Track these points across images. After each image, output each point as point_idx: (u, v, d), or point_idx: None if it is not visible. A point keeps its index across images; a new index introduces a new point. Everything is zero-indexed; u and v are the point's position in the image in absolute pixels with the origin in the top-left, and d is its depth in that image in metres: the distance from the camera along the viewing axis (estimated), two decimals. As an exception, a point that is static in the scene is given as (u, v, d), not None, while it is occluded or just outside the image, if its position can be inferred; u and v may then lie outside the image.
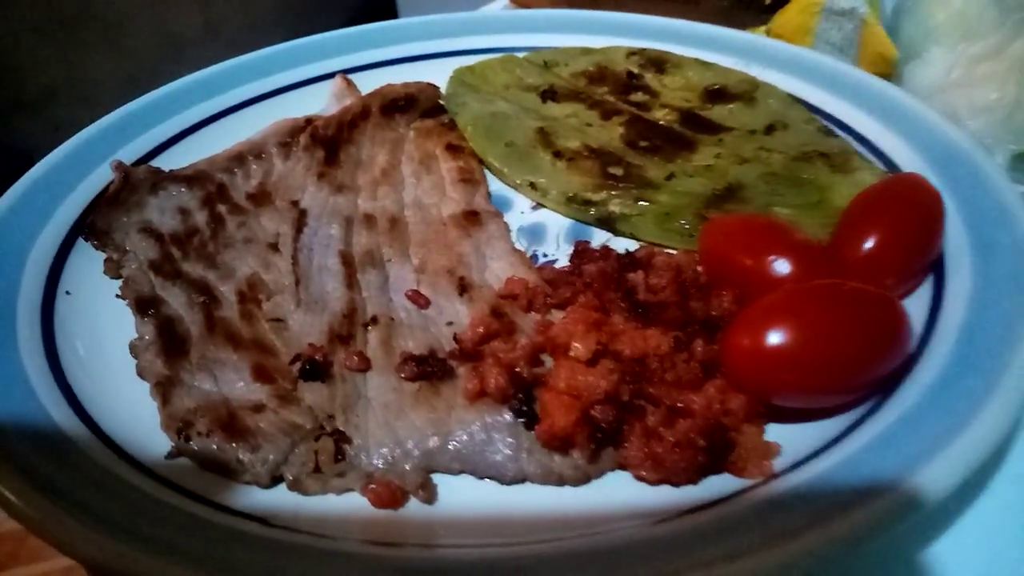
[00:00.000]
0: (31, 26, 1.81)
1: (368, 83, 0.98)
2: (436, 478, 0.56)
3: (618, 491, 0.54)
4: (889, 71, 0.98)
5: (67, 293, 0.70)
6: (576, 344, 0.58)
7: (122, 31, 1.88)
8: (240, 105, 0.95)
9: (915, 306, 0.62)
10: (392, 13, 1.94)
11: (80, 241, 0.75)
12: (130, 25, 1.87)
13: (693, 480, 0.53)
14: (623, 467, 0.54)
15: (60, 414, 0.58)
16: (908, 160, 0.76)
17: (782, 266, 0.62)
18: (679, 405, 0.55)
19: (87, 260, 0.73)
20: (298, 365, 0.61)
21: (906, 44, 0.97)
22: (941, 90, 0.89)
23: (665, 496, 0.53)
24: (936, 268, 0.64)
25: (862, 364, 0.54)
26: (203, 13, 1.92)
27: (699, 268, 0.67)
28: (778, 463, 0.53)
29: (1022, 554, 0.52)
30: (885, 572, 0.52)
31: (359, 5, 1.82)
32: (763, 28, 1.08)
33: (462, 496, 0.55)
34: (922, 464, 0.47)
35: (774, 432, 0.56)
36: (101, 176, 0.81)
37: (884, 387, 0.55)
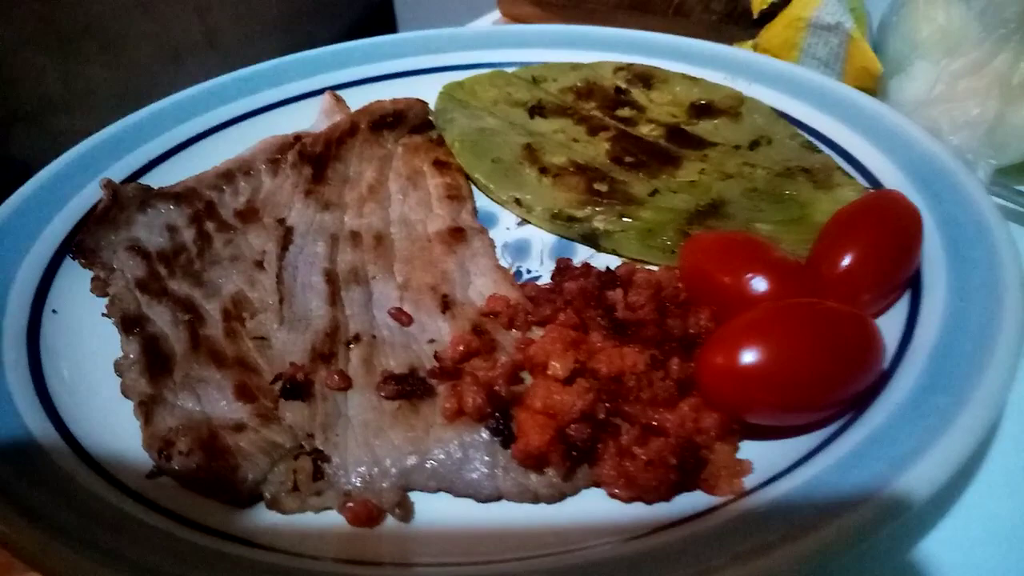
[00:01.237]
0: (28, 37, 1.82)
1: (358, 99, 0.99)
2: (413, 496, 0.56)
3: (592, 508, 0.54)
4: (874, 85, 0.98)
5: (54, 311, 0.71)
6: (554, 363, 0.59)
7: (120, 42, 1.88)
8: (230, 122, 0.96)
9: (891, 323, 0.62)
10: (390, 22, 1.95)
11: (68, 259, 0.75)
12: (128, 36, 1.88)
13: (665, 498, 0.53)
14: (597, 484, 0.55)
15: (43, 433, 0.58)
16: (890, 175, 0.76)
17: (759, 284, 0.63)
18: (653, 423, 0.55)
19: (74, 278, 0.74)
20: (279, 384, 0.61)
21: (891, 59, 0.97)
22: (924, 105, 0.89)
23: (638, 513, 0.53)
24: (914, 284, 0.65)
25: (834, 383, 0.54)
26: (202, 24, 1.93)
27: (679, 285, 0.68)
28: (750, 480, 0.53)
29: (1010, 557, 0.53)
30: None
31: (358, 16, 1.83)
32: (751, 43, 1.09)
33: (438, 515, 0.55)
34: (891, 480, 0.47)
35: (747, 449, 0.56)
36: (90, 194, 0.82)
37: (857, 405, 0.56)
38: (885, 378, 0.57)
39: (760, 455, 0.55)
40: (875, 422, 0.53)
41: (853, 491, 0.47)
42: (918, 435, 0.50)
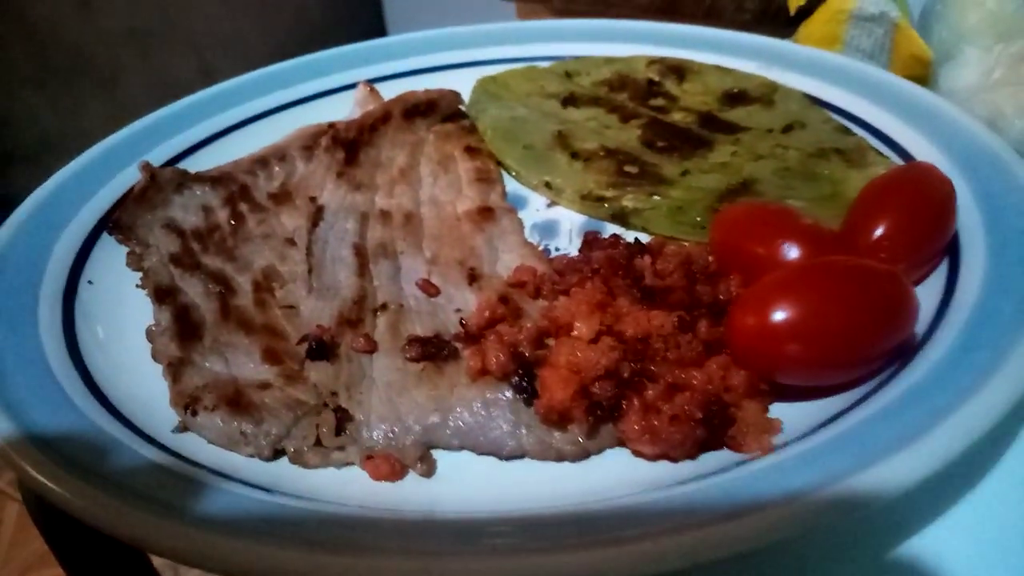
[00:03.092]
0: (25, 77, 1.88)
1: (391, 93, 0.99)
2: (436, 455, 0.56)
3: (616, 467, 0.53)
4: (924, 73, 0.97)
5: (89, 282, 0.72)
6: (579, 324, 0.58)
7: (116, 81, 1.93)
8: (265, 113, 0.98)
9: (928, 292, 0.61)
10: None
11: (105, 235, 0.77)
12: (123, 74, 1.92)
13: (691, 455, 0.52)
14: (622, 443, 0.54)
15: (77, 394, 0.59)
16: (925, 152, 0.75)
17: (792, 251, 0.62)
18: (680, 381, 0.54)
19: (110, 253, 0.76)
20: (305, 345, 0.62)
21: (936, 47, 0.96)
22: (982, 91, 0.88)
23: (663, 472, 0.52)
24: (951, 255, 0.63)
25: (868, 339, 0.53)
26: (197, 60, 1.97)
27: (710, 258, 0.67)
28: (780, 440, 0.52)
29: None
30: (885, 548, 0.50)
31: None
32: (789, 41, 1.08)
33: (461, 472, 0.55)
34: (924, 434, 0.46)
35: (776, 411, 0.55)
36: (129, 176, 0.83)
37: (890, 366, 0.54)
38: (921, 342, 0.55)
39: (790, 417, 0.54)
40: (911, 380, 0.51)
41: (887, 444, 0.46)
42: (955, 390, 0.49)
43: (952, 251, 0.63)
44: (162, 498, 0.49)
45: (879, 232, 0.62)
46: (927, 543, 0.50)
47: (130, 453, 0.53)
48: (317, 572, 0.43)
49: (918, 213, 0.63)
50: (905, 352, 0.55)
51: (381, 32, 2.02)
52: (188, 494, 0.49)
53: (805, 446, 0.48)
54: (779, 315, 0.53)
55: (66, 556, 0.70)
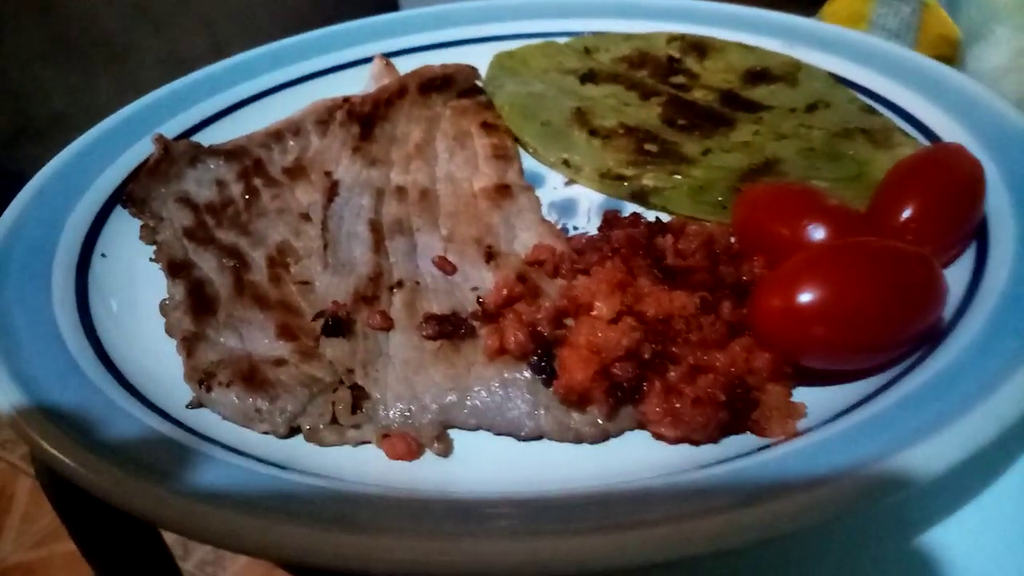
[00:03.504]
0: (37, 53, 1.86)
1: (407, 68, 0.98)
2: (453, 436, 0.55)
3: (636, 451, 0.53)
4: (952, 54, 0.95)
5: (103, 255, 0.71)
6: (599, 303, 0.57)
7: (128, 56, 1.91)
8: (280, 87, 0.97)
9: (957, 275, 0.59)
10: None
11: (118, 208, 0.76)
12: (135, 50, 1.90)
13: (714, 438, 0.51)
14: (642, 425, 0.53)
15: (90, 368, 0.59)
16: (953, 134, 0.73)
17: (817, 232, 0.60)
18: (703, 363, 0.53)
19: (124, 226, 0.75)
20: (321, 321, 0.61)
21: (964, 28, 0.94)
22: (1012, 71, 0.86)
23: (684, 455, 0.51)
24: (979, 238, 0.62)
25: (896, 321, 0.52)
26: (208, 36, 1.95)
27: (732, 239, 0.66)
28: (804, 425, 0.51)
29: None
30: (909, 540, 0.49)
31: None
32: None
33: (477, 452, 0.54)
34: (953, 421, 0.45)
35: (801, 395, 0.54)
36: (142, 149, 0.82)
37: (917, 351, 0.53)
38: (949, 326, 0.54)
39: (814, 401, 0.53)
40: (939, 366, 0.50)
41: (915, 431, 0.45)
42: (985, 377, 0.47)
43: (980, 234, 0.62)
44: (174, 472, 0.48)
45: (907, 214, 0.60)
46: (938, 540, 0.49)
47: (143, 427, 0.53)
48: (328, 550, 0.42)
49: (946, 195, 0.62)
50: (933, 337, 0.54)
51: (395, 6, 2.00)
52: (200, 469, 0.49)
53: (831, 431, 0.47)
54: (805, 296, 0.52)
55: (78, 530, 0.70)
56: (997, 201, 0.63)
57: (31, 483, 1.88)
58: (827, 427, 0.48)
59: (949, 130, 0.74)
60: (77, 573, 0.72)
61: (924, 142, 0.75)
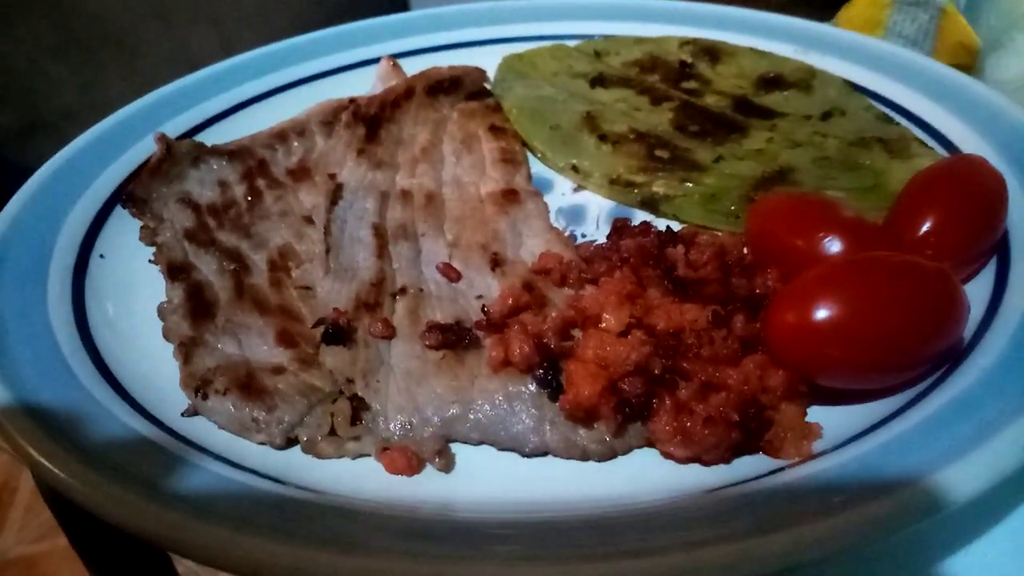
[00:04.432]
0: (48, 48, 1.86)
1: (414, 69, 0.96)
2: (455, 450, 0.53)
3: (643, 470, 0.51)
4: (971, 62, 0.93)
5: (101, 256, 0.70)
6: (607, 315, 0.55)
7: (138, 52, 1.91)
8: (287, 86, 0.95)
9: (977, 290, 0.57)
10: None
11: (118, 208, 0.75)
12: (145, 46, 1.90)
13: (725, 459, 0.49)
14: (651, 443, 0.51)
15: (84, 372, 0.57)
16: (970, 144, 0.71)
17: (833, 245, 0.59)
18: (714, 380, 0.52)
19: (124, 227, 0.73)
20: (321, 328, 0.59)
21: (985, 36, 0.92)
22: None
23: (694, 476, 0.50)
24: (1000, 252, 0.60)
25: (915, 340, 0.50)
26: (218, 33, 1.94)
27: (744, 250, 0.64)
28: (819, 446, 0.49)
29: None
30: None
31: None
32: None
33: (480, 468, 0.52)
34: (975, 447, 0.43)
35: (815, 415, 0.52)
36: (145, 148, 0.81)
37: (935, 370, 0.51)
38: (970, 345, 0.52)
39: (830, 422, 0.51)
40: (960, 387, 0.48)
41: (936, 457, 0.43)
42: (1008, 400, 0.46)
43: (1002, 249, 0.60)
44: (164, 485, 0.46)
45: (926, 227, 0.59)
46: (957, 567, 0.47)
47: (135, 436, 0.51)
48: (322, 572, 0.41)
49: (967, 208, 0.60)
50: (952, 355, 0.52)
51: (404, 6, 1.98)
52: (191, 482, 0.47)
53: (848, 454, 0.46)
54: (821, 313, 0.50)
55: (74, 530, 0.68)
56: (1019, 215, 0.61)
57: (33, 478, 1.87)
58: (843, 450, 0.47)
59: (968, 141, 0.72)
60: (79, 567, 0.71)
61: (942, 153, 0.74)
